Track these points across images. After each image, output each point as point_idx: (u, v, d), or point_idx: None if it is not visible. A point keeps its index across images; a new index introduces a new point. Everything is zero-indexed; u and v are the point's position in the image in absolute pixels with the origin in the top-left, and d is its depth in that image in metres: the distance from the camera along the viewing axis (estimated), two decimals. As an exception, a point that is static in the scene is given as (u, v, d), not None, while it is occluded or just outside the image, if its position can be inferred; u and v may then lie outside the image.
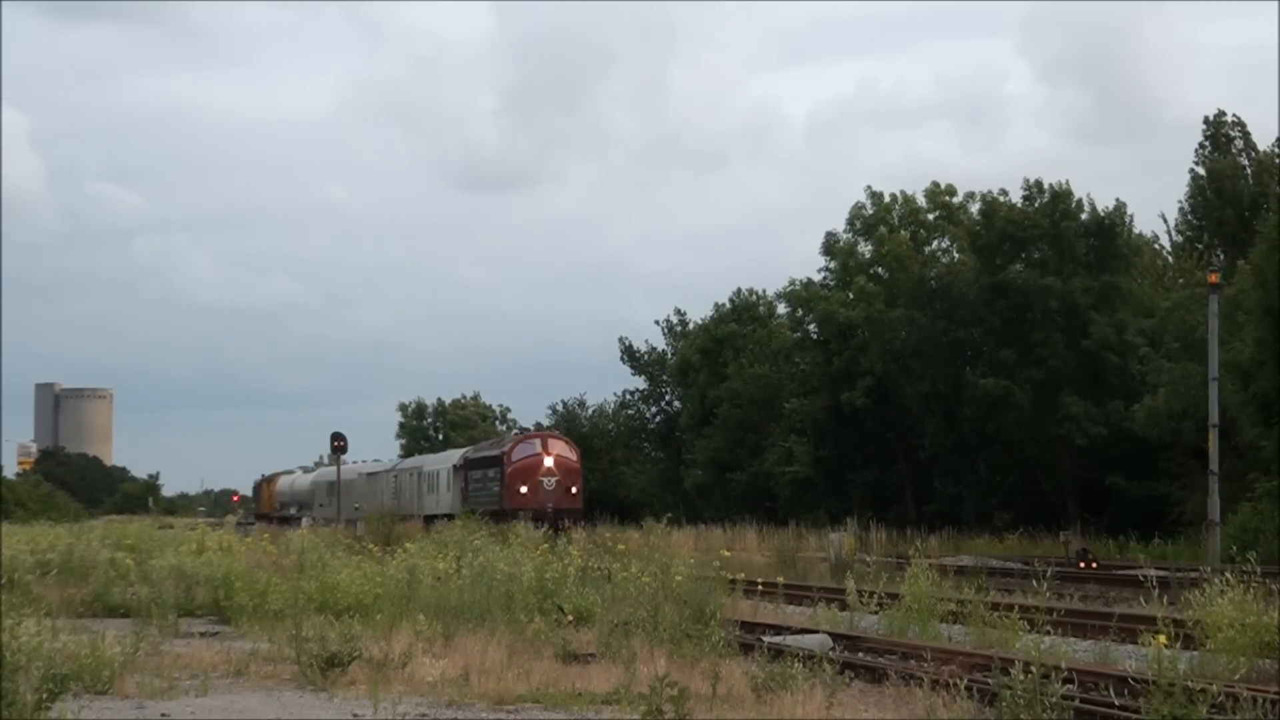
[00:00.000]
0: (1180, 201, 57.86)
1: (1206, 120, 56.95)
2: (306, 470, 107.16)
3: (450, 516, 63.86)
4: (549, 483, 61.06)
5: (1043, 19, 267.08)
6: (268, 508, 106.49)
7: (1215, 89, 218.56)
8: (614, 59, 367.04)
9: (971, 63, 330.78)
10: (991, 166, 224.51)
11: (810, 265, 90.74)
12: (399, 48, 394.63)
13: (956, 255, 66.42)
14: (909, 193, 69.62)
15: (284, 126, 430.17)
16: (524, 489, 60.55)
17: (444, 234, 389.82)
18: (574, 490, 61.77)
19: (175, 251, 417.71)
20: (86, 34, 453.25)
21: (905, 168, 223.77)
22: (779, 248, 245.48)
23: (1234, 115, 56.94)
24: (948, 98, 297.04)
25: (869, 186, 69.88)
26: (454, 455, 74.07)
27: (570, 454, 63.76)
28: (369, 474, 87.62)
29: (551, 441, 64.58)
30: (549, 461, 61.80)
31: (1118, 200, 60.86)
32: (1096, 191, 61.43)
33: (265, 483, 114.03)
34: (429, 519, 69.12)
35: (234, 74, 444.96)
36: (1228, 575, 16.45)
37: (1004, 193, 61.77)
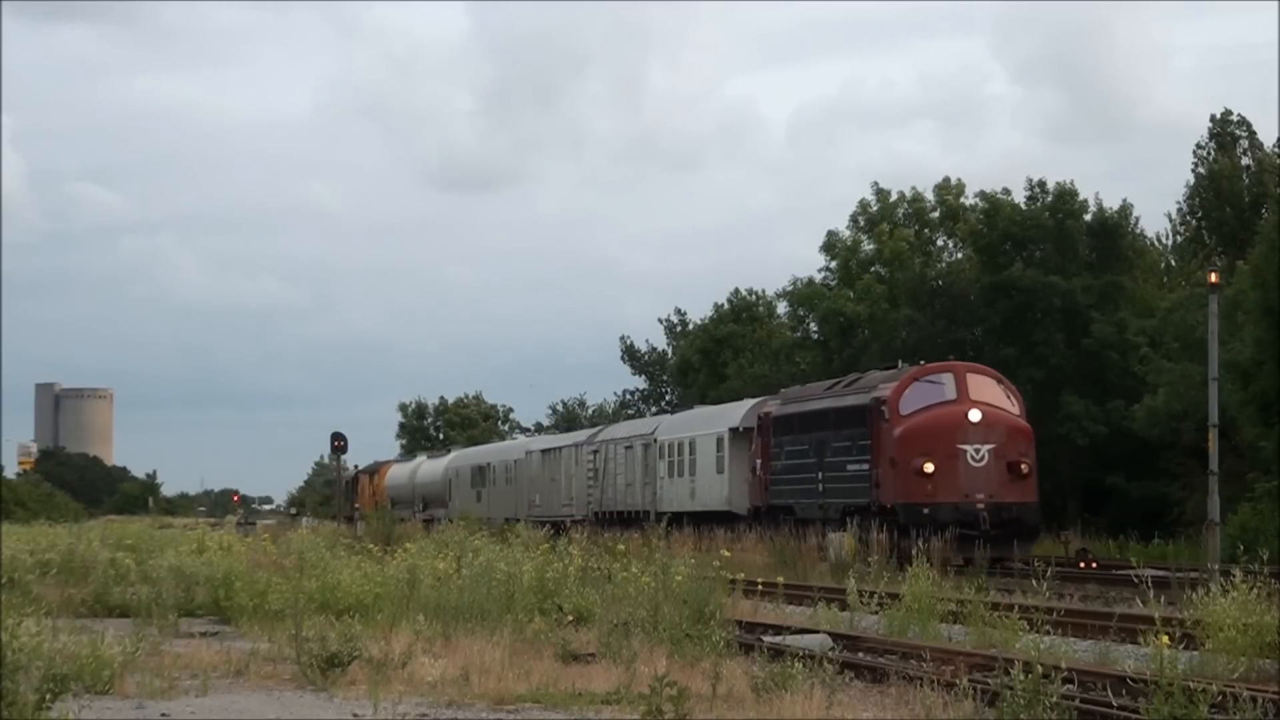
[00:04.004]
0: (1179, 202, 57.95)
1: (1213, 119, 56.95)
2: (433, 455, 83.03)
3: (728, 517, 42.91)
4: (978, 455, 34.79)
5: (1014, 20, 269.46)
6: (369, 506, 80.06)
7: (1190, 89, 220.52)
8: (590, 59, 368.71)
9: (956, 63, 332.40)
10: (970, 166, 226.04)
11: (797, 265, 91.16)
12: (374, 48, 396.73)
13: (960, 254, 66.52)
14: (919, 189, 69.84)
15: (263, 127, 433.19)
16: (928, 467, 34.42)
17: (427, 234, 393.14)
18: (1024, 469, 35.12)
19: (161, 252, 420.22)
20: (64, 35, 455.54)
21: (890, 168, 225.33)
22: (765, 248, 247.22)
23: (1239, 114, 56.96)
24: (932, 98, 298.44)
25: (876, 183, 70.04)
26: (731, 411, 46.90)
27: (1009, 403, 36.62)
28: (544, 450, 61.67)
29: (975, 379, 36.67)
30: (975, 415, 35.09)
31: (1124, 200, 61.05)
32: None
33: (365, 475, 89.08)
34: (639, 517, 47.58)
35: (211, 75, 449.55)
36: (1235, 574, 16.44)
37: (1007, 192, 61.93)
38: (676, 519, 44.15)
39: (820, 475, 38.01)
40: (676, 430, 49.60)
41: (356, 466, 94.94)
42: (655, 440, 50.13)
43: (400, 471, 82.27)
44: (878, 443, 35.65)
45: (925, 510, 33.92)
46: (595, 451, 55.24)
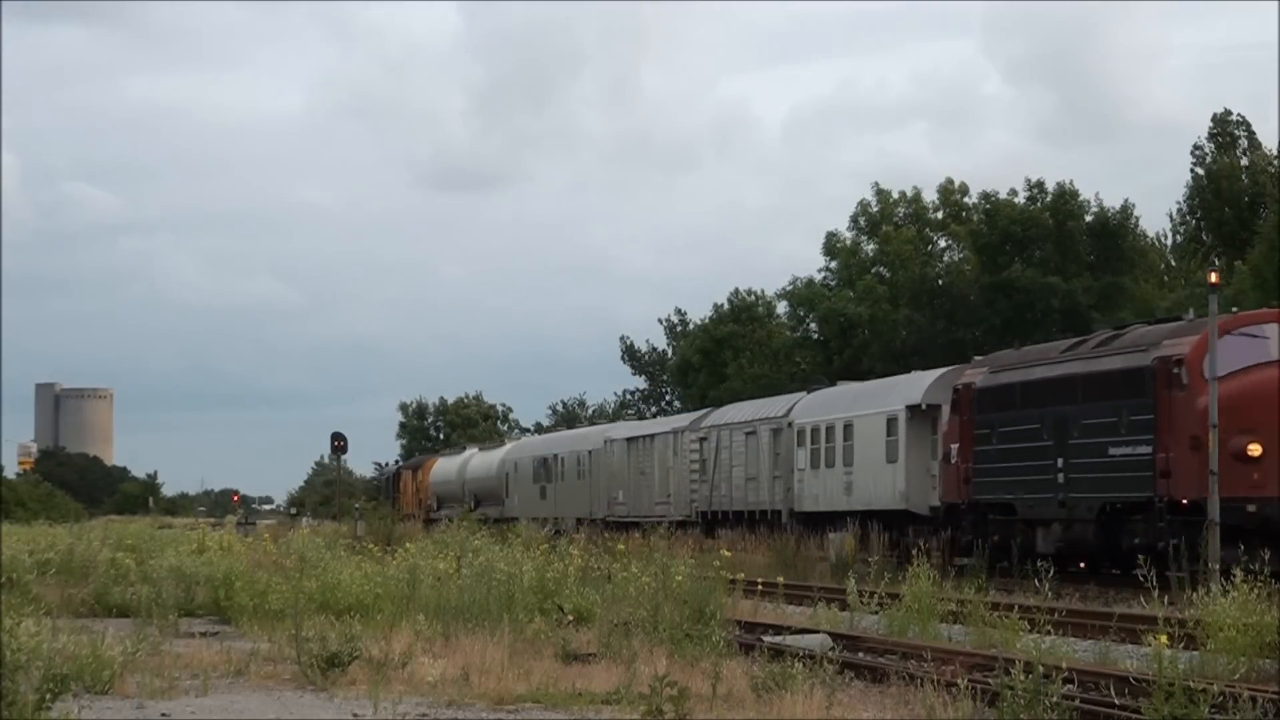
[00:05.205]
0: (1179, 202, 58.08)
1: (1214, 118, 57.04)
2: (485, 447, 74.19)
3: (906, 517, 35.87)
4: None
5: (1007, 20, 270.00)
6: (412, 505, 74.23)
7: (1183, 89, 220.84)
8: (583, 58, 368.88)
9: (950, 62, 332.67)
10: (966, 166, 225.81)
11: (793, 263, 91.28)
12: (367, 47, 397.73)
13: (960, 255, 66.62)
14: (919, 189, 69.96)
15: (257, 126, 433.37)
16: (1254, 449, 25.80)
17: (422, 233, 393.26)
18: None
19: (158, 251, 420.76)
20: (57, 35, 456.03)
21: (886, 167, 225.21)
22: (761, 246, 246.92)
23: (1239, 114, 57.06)
24: (927, 97, 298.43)
25: (876, 183, 70.20)
26: (908, 384, 38.09)
27: None
28: (630, 439, 52.08)
29: None
30: None
31: (1125, 201, 61.15)
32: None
33: (408, 471, 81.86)
34: (767, 518, 41.73)
35: (204, 74, 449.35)
36: (1235, 574, 16.44)
37: (1013, 192, 62.05)
38: (823, 520, 38.61)
39: (1060, 463, 29.62)
40: (823, 411, 40.48)
41: (398, 462, 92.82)
42: (790, 424, 41.54)
43: (447, 466, 73.69)
44: (1168, 417, 26.73)
45: (1250, 507, 25.52)
46: (702, 439, 46.33)
